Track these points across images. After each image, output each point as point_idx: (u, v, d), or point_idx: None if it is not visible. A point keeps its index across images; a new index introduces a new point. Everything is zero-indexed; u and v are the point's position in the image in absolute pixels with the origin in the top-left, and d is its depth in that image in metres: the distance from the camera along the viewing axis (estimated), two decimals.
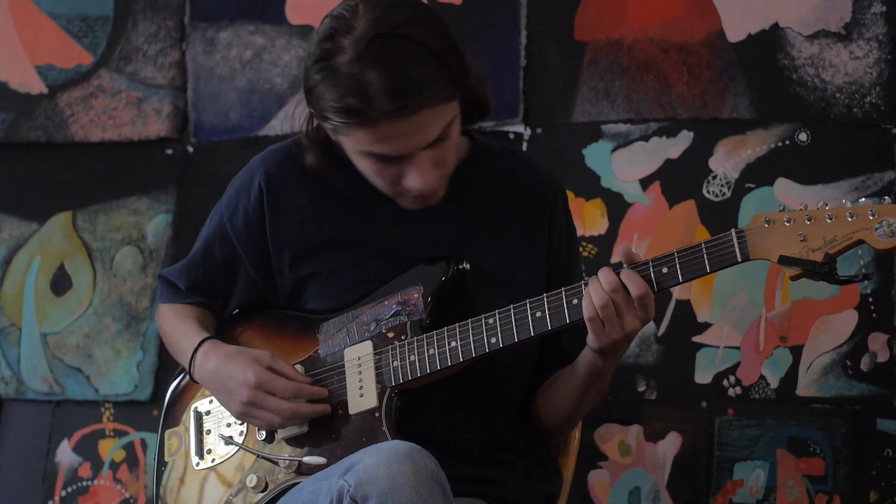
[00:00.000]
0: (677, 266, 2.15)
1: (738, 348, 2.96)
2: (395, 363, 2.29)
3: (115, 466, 3.40)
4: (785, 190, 2.95)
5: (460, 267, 2.33)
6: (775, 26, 2.98)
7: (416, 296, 2.32)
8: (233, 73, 3.40)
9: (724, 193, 3.00)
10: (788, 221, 2.09)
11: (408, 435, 2.20)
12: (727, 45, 3.01)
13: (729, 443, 2.95)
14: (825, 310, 2.91)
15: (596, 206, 3.09)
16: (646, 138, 3.07)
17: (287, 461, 2.33)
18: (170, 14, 3.45)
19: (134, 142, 3.46)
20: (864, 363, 2.87)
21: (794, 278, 2.10)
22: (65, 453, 3.43)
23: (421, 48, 2.16)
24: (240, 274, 2.48)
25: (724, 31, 3.02)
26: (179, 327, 2.48)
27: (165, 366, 3.34)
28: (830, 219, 2.07)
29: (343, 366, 2.33)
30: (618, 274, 2.17)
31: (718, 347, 2.98)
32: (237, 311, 2.51)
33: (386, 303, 2.34)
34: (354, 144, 2.24)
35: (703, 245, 2.14)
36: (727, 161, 3.00)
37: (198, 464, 2.46)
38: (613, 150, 3.09)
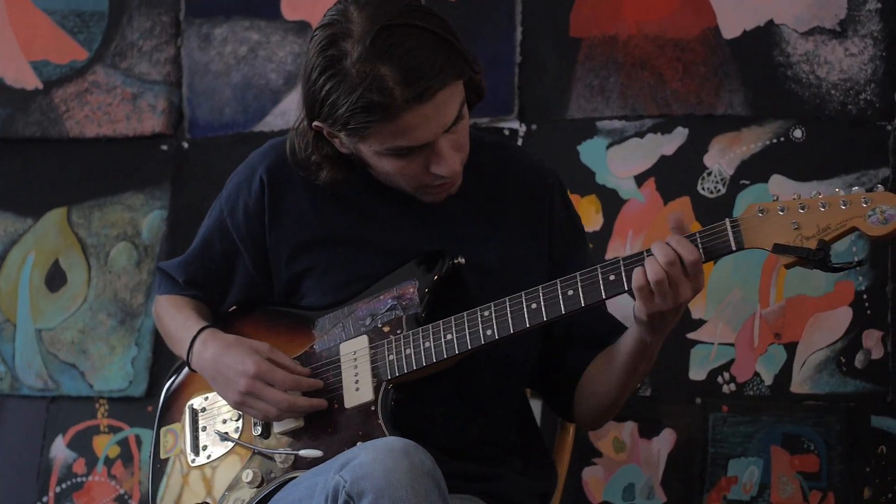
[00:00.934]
0: None
1: (732, 345, 2.97)
2: (391, 357, 2.29)
3: (109, 462, 3.40)
4: (779, 186, 2.95)
5: (456, 261, 2.33)
6: (770, 23, 2.98)
7: (411, 290, 2.33)
8: (228, 68, 3.40)
9: (719, 190, 3.00)
10: (782, 210, 2.10)
11: (403, 429, 2.21)
12: (722, 41, 3.02)
13: (723, 439, 2.95)
14: (819, 307, 2.91)
15: (591, 202, 3.09)
16: (641, 135, 3.07)
17: (283, 455, 2.33)
18: (165, 10, 3.45)
19: (129, 138, 3.46)
20: (859, 360, 2.88)
21: (788, 266, 2.10)
22: (59, 449, 3.43)
23: (423, 33, 2.17)
24: (238, 269, 2.48)
25: (720, 27, 3.02)
26: (178, 317, 2.49)
27: (160, 362, 3.34)
28: (824, 207, 2.07)
29: (339, 360, 2.34)
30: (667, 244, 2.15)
31: (713, 344, 2.98)
32: (234, 306, 2.51)
33: (381, 297, 2.34)
34: (375, 145, 2.23)
35: (697, 235, 2.14)
36: (722, 158, 3.00)
37: (193, 460, 2.46)
38: (608, 147, 3.09)
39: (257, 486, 2.34)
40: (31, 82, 3.52)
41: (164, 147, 3.44)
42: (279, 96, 3.35)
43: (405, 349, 2.28)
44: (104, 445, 3.41)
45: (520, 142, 3.14)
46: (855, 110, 2.91)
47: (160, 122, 3.43)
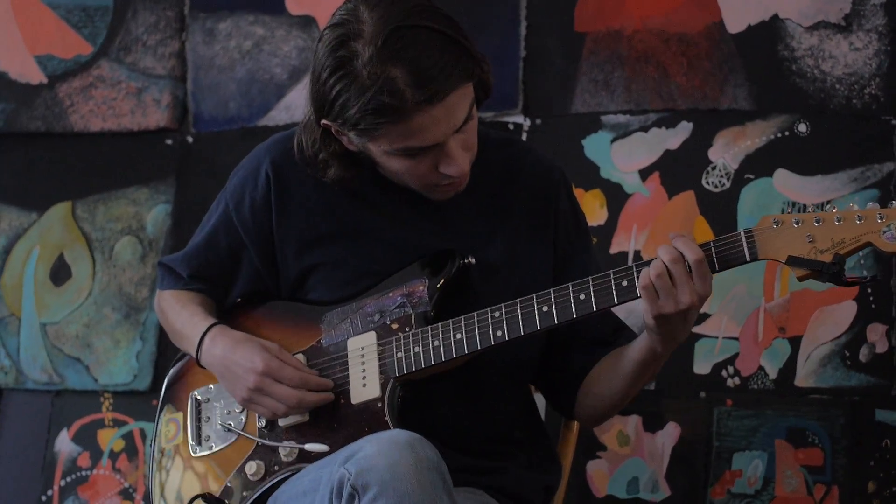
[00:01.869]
0: None
1: (736, 339, 2.97)
2: (399, 354, 2.29)
3: (114, 456, 3.41)
4: (784, 181, 2.95)
5: (466, 261, 2.33)
6: (775, 17, 2.98)
7: (421, 288, 2.32)
8: (232, 63, 3.40)
9: (724, 184, 3.00)
10: (797, 223, 2.10)
11: (409, 425, 2.20)
12: (727, 36, 3.02)
13: (727, 433, 2.96)
14: (824, 301, 2.91)
15: (595, 196, 3.09)
16: (645, 129, 3.07)
17: (288, 448, 2.33)
18: (169, 4, 3.45)
19: (133, 132, 3.46)
20: (863, 354, 2.88)
21: (801, 279, 2.11)
22: (64, 443, 3.44)
23: (434, 34, 2.17)
24: (243, 263, 2.48)
25: (724, 22, 3.02)
26: (184, 313, 2.48)
27: (165, 355, 3.34)
28: (839, 221, 2.08)
29: (346, 356, 2.33)
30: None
31: (717, 338, 2.98)
32: (239, 300, 2.51)
33: (391, 294, 2.34)
34: (385, 145, 2.23)
35: (711, 245, 2.14)
36: (726, 152, 3.00)
37: (196, 451, 2.45)
38: (613, 141, 3.09)
39: (260, 479, 2.34)
40: (36, 77, 3.53)
41: (169, 141, 3.44)
42: (284, 91, 3.35)
43: (414, 347, 2.28)
44: (109, 439, 3.41)
45: (524, 136, 3.14)
46: (860, 105, 2.91)
47: (165, 116, 3.43)
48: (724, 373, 2.97)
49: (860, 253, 2.63)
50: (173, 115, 3.43)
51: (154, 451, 2.53)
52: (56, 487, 3.43)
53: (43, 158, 3.52)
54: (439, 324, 2.27)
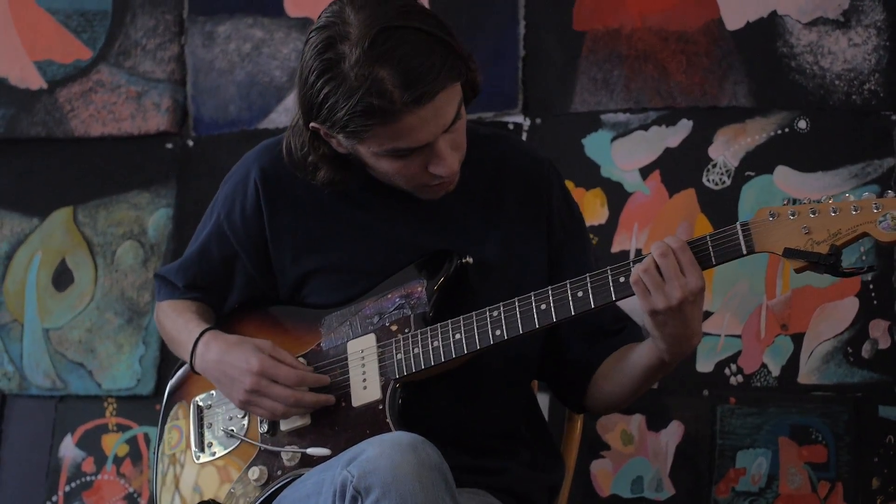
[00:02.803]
0: None
1: (739, 337, 2.97)
2: (399, 356, 2.29)
3: (118, 461, 3.41)
4: (784, 178, 2.95)
5: (464, 261, 2.33)
6: (773, 14, 2.98)
7: (419, 289, 2.32)
8: (232, 66, 3.40)
9: (724, 182, 3.00)
10: (793, 215, 2.10)
11: (410, 426, 2.21)
12: (725, 33, 3.01)
13: (731, 431, 2.95)
14: (826, 297, 2.91)
15: (596, 195, 3.09)
16: (645, 127, 3.07)
17: (290, 453, 2.33)
18: (168, 8, 3.46)
19: (134, 136, 3.46)
20: (866, 350, 2.88)
21: (798, 271, 2.11)
22: (68, 448, 3.44)
23: (421, 34, 2.17)
24: (237, 271, 2.48)
25: (723, 19, 3.02)
26: (179, 321, 2.48)
27: (168, 360, 3.34)
28: (835, 212, 2.08)
29: (346, 359, 2.34)
30: None
31: (719, 336, 2.98)
32: (237, 306, 2.51)
33: (389, 296, 2.34)
34: (374, 147, 2.23)
35: (707, 238, 2.14)
36: (727, 149, 3.00)
37: (198, 457, 2.46)
38: (613, 140, 3.09)
39: (263, 484, 2.34)
40: (36, 82, 3.53)
41: (170, 145, 3.44)
42: (283, 93, 3.35)
43: (413, 348, 2.28)
44: (113, 444, 3.41)
45: (524, 136, 3.14)
46: (859, 100, 2.91)
47: (165, 120, 3.44)
48: (726, 371, 2.96)
49: (861, 249, 2.62)
50: (173, 119, 3.43)
51: (157, 459, 2.53)
52: (61, 493, 3.43)
53: (43, 164, 3.52)
54: (438, 324, 2.28)
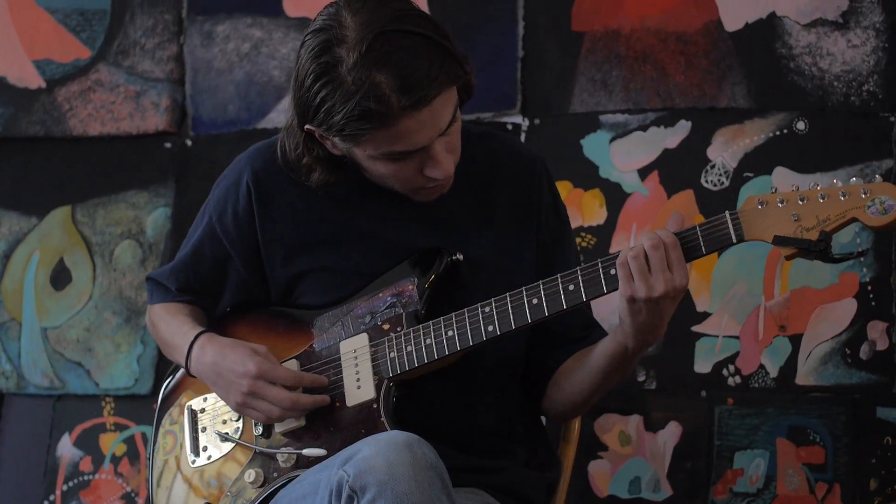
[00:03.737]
0: None
1: (737, 338, 2.96)
2: (392, 354, 2.29)
3: (116, 460, 3.41)
4: (783, 179, 2.95)
5: (454, 258, 2.33)
6: (772, 15, 2.98)
7: (410, 287, 2.32)
8: (231, 66, 3.40)
9: (723, 183, 3.00)
10: (782, 202, 2.11)
11: (406, 425, 2.21)
12: (724, 34, 3.01)
13: (729, 432, 2.95)
14: (824, 298, 2.91)
15: (594, 196, 3.09)
16: (644, 128, 3.07)
17: (286, 455, 2.33)
18: (167, 7, 3.46)
19: (132, 136, 3.46)
20: (864, 351, 2.87)
21: (789, 258, 2.12)
22: (66, 448, 3.44)
23: (418, 38, 2.16)
24: (230, 273, 2.48)
25: (722, 20, 3.02)
26: (173, 323, 2.48)
27: (165, 360, 3.32)
28: (823, 198, 2.08)
29: (339, 359, 2.34)
30: None
31: (717, 337, 2.98)
32: (229, 308, 2.51)
33: (380, 295, 2.34)
34: (370, 150, 2.23)
35: (697, 227, 2.14)
36: (725, 150, 3.00)
37: (193, 461, 2.46)
38: (612, 141, 3.09)
39: (259, 486, 2.34)
40: (35, 81, 3.53)
41: (168, 145, 3.44)
42: (282, 93, 3.35)
43: (406, 346, 2.28)
44: (111, 443, 3.41)
45: (523, 136, 3.14)
46: (858, 102, 2.91)
47: (163, 119, 3.44)
48: (724, 372, 2.96)
49: (858, 240, 2.63)
50: (172, 119, 3.43)
51: (153, 464, 2.53)
52: (58, 492, 3.43)
53: (42, 163, 3.52)
54: (430, 322, 2.28)
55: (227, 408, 2.41)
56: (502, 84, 3.15)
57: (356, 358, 2.32)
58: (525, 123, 3.15)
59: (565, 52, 3.14)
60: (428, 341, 2.27)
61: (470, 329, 2.25)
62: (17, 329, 3.50)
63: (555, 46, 3.15)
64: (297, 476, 2.30)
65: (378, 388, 2.29)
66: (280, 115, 3.34)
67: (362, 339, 2.33)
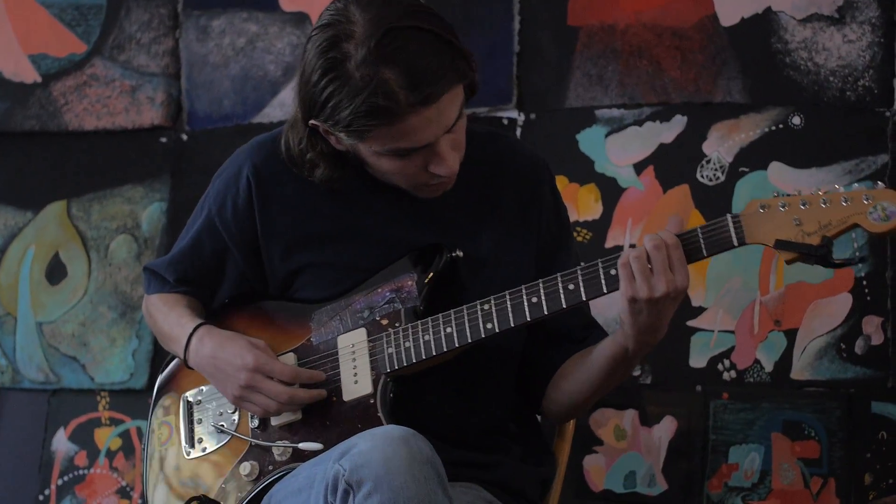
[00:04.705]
0: None
1: (732, 332, 2.97)
2: (390, 349, 2.29)
3: (111, 455, 3.41)
4: (778, 174, 2.95)
5: (454, 255, 2.33)
6: (768, 10, 2.98)
7: (409, 283, 2.32)
8: (226, 60, 3.40)
9: (718, 177, 3.00)
10: (783, 206, 2.10)
11: (402, 420, 2.20)
12: (720, 29, 3.02)
13: (724, 426, 2.96)
14: (819, 293, 2.91)
15: (590, 191, 3.09)
16: (639, 123, 3.07)
17: (282, 448, 2.32)
18: (163, 2, 3.45)
19: (128, 130, 3.46)
20: (859, 346, 2.88)
21: (789, 262, 2.11)
22: (61, 442, 3.44)
23: (426, 35, 2.16)
24: (228, 266, 2.47)
25: (717, 15, 3.02)
26: (171, 315, 2.48)
27: (161, 354, 3.33)
28: (825, 203, 2.08)
29: (336, 353, 2.33)
30: None
31: (713, 331, 2.98)
32: (227, 301, 2.50)
33: (379, 290, 2.34)
34: (376, 146, 2.22)
35: (699, 230, 2.14)
36: (721, 145, 3.00)
37: (189, 453, 2.45)
38: (607, 135, 3.09)
39: (255, 479, 2.34)
40: (30, 76, 3.53)
41: (164, 139, 3.44)
42: (278, 88, 3.35)
43: (404, 342, 2.28)
44: (106, 438, 3.41)
45: (518, 131, 3.14)
46: (853, 97, 2.91)
47: (159, 114, 3.43)
48: (720, 366, 2.97)
49: (855, 245, 2.63)
50: (167, 113, 3.43)
51: (148, 455, 2.52)
52: (53, 486, 3.43)
53: (37, 157, 3.52)
54: (429, 318, 2.27)
55: (223, 399, 2.41)
56: (498, 79, 3.16)
57: (354, 353, 2.32)
58: (521, 118, 3.15)
59: (561, 47, 3.14)
60: (426, 337, 2.27)
61: (468, 326, 2.25)
62: (13, 323, 3.50)
63: (550, 41, 3.15)
64: (292, 469, 2.29)
65: (375, 383, 2.28)
66: (275, 109, 3.34)
67: (360, 334, 2.32)
